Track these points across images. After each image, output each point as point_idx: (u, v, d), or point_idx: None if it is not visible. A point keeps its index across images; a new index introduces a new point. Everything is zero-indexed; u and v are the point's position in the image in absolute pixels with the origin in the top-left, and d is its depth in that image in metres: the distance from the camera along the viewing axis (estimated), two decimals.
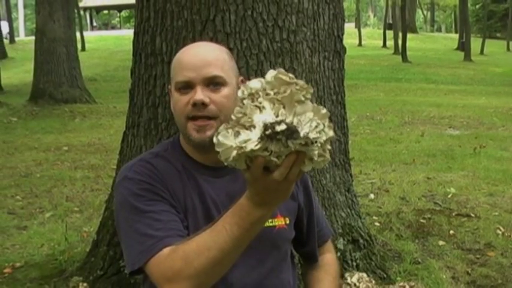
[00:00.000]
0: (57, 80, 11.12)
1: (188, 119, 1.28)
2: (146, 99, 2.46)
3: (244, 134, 0.96)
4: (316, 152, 0.99)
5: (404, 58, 24.96)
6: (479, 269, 3.03)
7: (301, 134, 0.95)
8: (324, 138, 0.98)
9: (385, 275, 2.76)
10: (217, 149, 0.98)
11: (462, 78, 20.07)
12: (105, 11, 52.02)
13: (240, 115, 0.97)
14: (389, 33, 31.85)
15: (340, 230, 2.66)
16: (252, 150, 0.95)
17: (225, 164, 1.00)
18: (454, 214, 3.97)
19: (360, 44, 33.21)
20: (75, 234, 3.57)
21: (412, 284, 1.71)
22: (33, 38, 13.12)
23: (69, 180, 5.21)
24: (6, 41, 26.99)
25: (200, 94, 1.26)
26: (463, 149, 6.71)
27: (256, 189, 1.05)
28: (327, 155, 1.01)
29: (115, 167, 2.89)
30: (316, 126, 0.97)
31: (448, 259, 3.15)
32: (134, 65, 2.55)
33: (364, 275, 1.60)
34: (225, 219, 1.11)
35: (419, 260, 3.10)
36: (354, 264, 2.67)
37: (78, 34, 17.52)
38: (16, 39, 33.45)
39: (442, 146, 6.90)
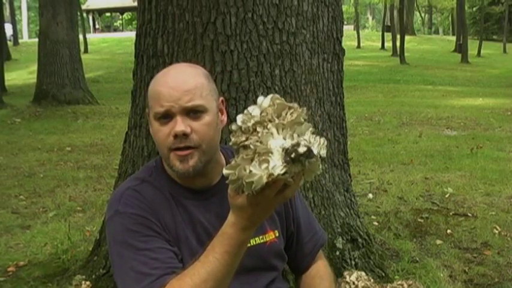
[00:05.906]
0: (60, 82, 11.15)
1: (171, 150, 1.25)
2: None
3: (272, 161, 0.97)
4: (320, 167, 1.03)
5: (403, 60, 25.00)
6: (476, 267, 3.04)
7: (315, 153, 0.99)
8: (325, 152, 1.02)
9: (383, 274, 2.76)
10: (246, 180, 0.98)
11: (459, 80, 20.05)
12: (108, 14, 51.99)
13: (258, 144, 0.99)
14: (388, 35, 31.93)
15: (339, 229, 2.66)
16: (279, 175, 0.97)
17: (248, 192, 1.01)
18: (451, 214, 3.98)
19: (358, 46, 33.26)
20: (78, 234, 3.58)
21: (410, 282, 1.74)
22: (36, 40, 13.14)
23: (72, 180, 5.23)
24: (10, 43, 26.97)
25: (181, 125, 1.22)
26: (460, 149, 6.73)
27: (251, 212, 1.07)
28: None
29: (117, 167, 2.91)
30: (323, 143, 1.01)
31: (446, 258, 3.16)
32: (136, 67, 2.56)
33: (363, 273, 1.62)
34: (213, 249, 1.13)
35: (417, 258, 3.11)
36: (353, 263, 2.66)
37: (81, 36, 17.61)
38: (20, 41, 33.54)
39: (439, 147, 6.91)
